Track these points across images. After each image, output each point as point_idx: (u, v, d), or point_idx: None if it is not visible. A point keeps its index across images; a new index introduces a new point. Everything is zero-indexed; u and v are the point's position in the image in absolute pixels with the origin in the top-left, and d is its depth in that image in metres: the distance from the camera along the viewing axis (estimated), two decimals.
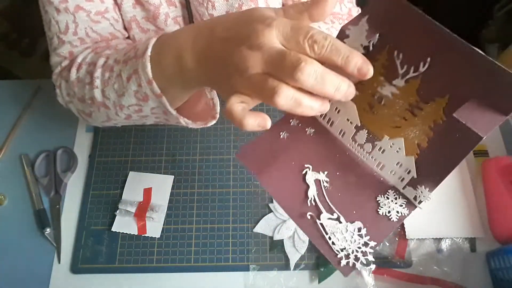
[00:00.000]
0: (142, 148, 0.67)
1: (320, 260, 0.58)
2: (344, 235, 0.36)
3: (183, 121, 0.48)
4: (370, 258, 0.35)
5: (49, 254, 0.61)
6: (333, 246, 0.36)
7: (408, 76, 0.34)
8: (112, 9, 0.57)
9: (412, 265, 0.58)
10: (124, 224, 0.61)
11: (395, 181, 0.37)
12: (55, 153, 0.67)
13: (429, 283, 0.57)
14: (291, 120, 0.41)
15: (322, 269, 0.58)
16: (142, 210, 0.62)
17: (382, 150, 0.37)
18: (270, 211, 0.62)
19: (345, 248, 0.36)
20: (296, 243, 0.59)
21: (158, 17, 0.60)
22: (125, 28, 0.62)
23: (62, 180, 0.65)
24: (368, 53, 0.35)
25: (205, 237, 0.61)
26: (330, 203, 0.37)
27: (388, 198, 0.37)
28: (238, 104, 0.36)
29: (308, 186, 0.38)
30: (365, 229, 0.36)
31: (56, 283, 0.59)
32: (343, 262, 0.35)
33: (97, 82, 0.48)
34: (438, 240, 0.59)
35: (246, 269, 0.59)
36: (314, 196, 0.38)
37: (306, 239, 0.59)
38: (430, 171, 0.35)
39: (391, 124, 0.36)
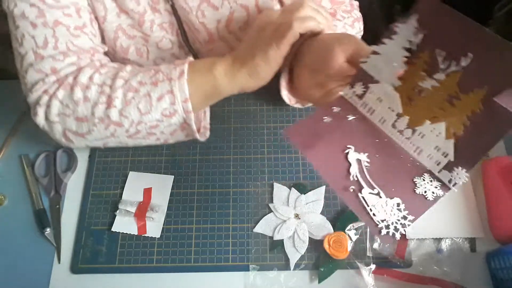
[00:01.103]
0: (142, 148, 0.67)
1: (320, 260, 0.58)
2: (384, 208, 0.39)
3: (197, 135, 0.56)
4: (408, 230, 0.39)
5: (49, 254, 0.61)
6: (373, 217, 0.39)
7: (449, 70, 0.38)
8: (90, 24, 0.57)
9: (412, 265, 0.58)
10: (124, 224, 0.61)
11: (431, 165, 0.41)
12: (55, 153, 0.67)
13: (429, 283, 0.57)
14: (333, 108, 0.46)
15: (322, 269, 0.58)
16: (142, 210, 0.62)
17: (422, 135, 0.41)
18: (270, 211, 0.62)
19: (385, 220, 0.39)
20: (296, 243, 0.59)
21: (143, 24, 0.60)
22: (103, 41, 0.62)
23: (62, 180, 0.65)
24: (411, 52, 0.40)
25: (205, 237, 0.61)
26: (370, 180, 0.41)
27: (424, 180, 0.41)
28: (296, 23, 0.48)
29: (350, 164, 0.42)
30: (403, 204, 0.40)
31: (56, 283, 0.59)
32: (383, 231, 0.39)
33: (117, 102, 0.51)
34: (438, 240, 0.59)
35: (246, 269, 0.59)
36: (356, 173, 0.42)
37: (306, 239, 0.59)
38: (466, 154, 0.39)
39: (430, 115, 0.40)
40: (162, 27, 0.62)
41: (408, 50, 0.40)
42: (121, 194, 0.64)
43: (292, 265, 0.58)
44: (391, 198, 0.40)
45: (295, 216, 0.61)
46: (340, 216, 0.61)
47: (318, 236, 0.60)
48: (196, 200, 0.63)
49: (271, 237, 0.60)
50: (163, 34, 0.63)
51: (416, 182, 0.41)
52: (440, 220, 0.60)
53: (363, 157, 0.43)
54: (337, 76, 0.48)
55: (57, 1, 0.53)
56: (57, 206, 0.63)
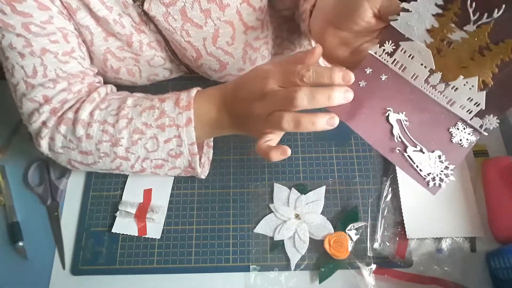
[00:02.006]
0: None
1: (321, 260, 0.58)
2: (428, 162, 0.43)
3: (202, 174, 0.60)
4: (452, 178, 0.42)
5: (50, 255, 0.60)
6: (420, 172, 0.43)
7: (480, 22, 0.39)
8: (78, 48, 0.56)
9: (412, 264, 0.58)
10: (124, 225, 0.61)
11: (463, 114, 0.43)
12: (47, 161, 0.66)
13: (430, 282, 0.57)
14: (366, 69, 0.46)
15: (322, 269, 0.58)
16: (142, 211, 0.62)
17: (455, 88, 0.43)
18: (271, 211, 0.62)
19: (430, 173, 0.43)
20: (297, 243, 0.59)
21: (132, 44, 0.59)
22: (93, 62, 0.62)
23: (57, 187, 0.64)
24: (441, 5, 0.41)
25: (205, 237, 0.61)
26: (412, 138, 0.44)
27: (458, 129, 0.43)
28: (264, 143, 0.47)
29: (392, 126, 0.44)
30: (444, 156, 0.43)
31: (56, 285, 0.59)
32: (431, 183, 0.43)
33: (123, 142, 0.53)
34: (439, 239, 0.59)
35: (247, 269, 0.59)
36: (398, 133, 0.44)
37: (306, 239, 0.59)
38: (496, 102, 0.41)
39: (459, 65, 0.42)
40: (151, 46, 0.61)
41: (439, 6, 0.41)
42: (121, 195, 0.63)
43: (292, 266, 0.58)
44: (432, 151, 0.43)
45: (295, 217, 0.61)
46: (340, 216, 0.61)
47: (319, 236, 0.60)
48: (196, 201, 0.63)
49: (272, 238, 0.60)
50: (154, 52, 0.63)
51: (451, 132, 0.44)
52: (440, 220, 0.60)
53: (402, 116, 0.45)
54: (364, 32, 0.47)
55: (42, 28, 0.51)
56: (56, 213, 0.63)
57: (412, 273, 0.58)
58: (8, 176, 0.67)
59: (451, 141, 0.43)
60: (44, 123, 0.54)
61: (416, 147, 0.44)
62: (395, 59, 0.45)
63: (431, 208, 0.61)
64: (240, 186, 0.64)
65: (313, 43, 0.57)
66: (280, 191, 0.63)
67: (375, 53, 0.46)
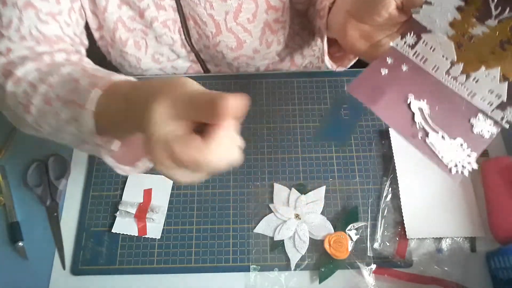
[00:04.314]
0: None
1: (321, 260, 0.58)
2: (450, 149, 0.43)
3: (118, 170, 0.48)
4: (474, 166, 0.42)
5: (49, 255, 0.60)
6: (443, 159, 0.42)
7: (502, 17, 0.39)
8: (67, 13, 0.56)
9: (412, 264, 0.58)
10: (124, 225, 0.61)
11: (484, 106, 0.43)
12: (46, 161, 0.66)
13: (430, 282, 0.57)
14: (387, 59, 0.47)
15: (322, 269, 0.58)
16: (142, 211, 0.62)
17: (476, 80, 0.43)
18: (271, 211, 0.62)
19: (452, 160, 0.42)
20: (297, 243, 0.59)
21: (144, 16, 0.60)
22: (102, 31, 0.62)
23: (57, 188, 0.64)
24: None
25: (205, 238, 0.61)
26: (434, 125, 0.44)
27: (479, 120, 0.44)
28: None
29: (413, 113, 0.45)
30: (465, 143, 0.43)
31: (56, 285, 0.59)
32: (453, 170, 0.42)
33: (33, 110, 0.47)
34: (439, 239, 0.59)
35: (247, 269, 0.59)
36: (420, 120, 0.44)
37: (306, 239, 0.59)
38: None
39: (479, 59, 0.42)
40: (166, 24, 0.62)
41: None
42: (121, 195, 0.63)
43: (292, 266, 0.58)
44: (454, 138, 0.43)
45: (295, 217, 0.61)
46: (340, 216, 0.61)
47: (319, 236, 0.60)
48: (196, 201, 0.63)
49: (272, 238, 0.60)
50: (165, 31, 0.63)
51: (472, 123, 0.44)
52: (440, 220, 0.60)
53: (423, 104, 0.45)
54: (385, 26, 0.47)
55: None
56: (55, 214, 0.63)
57: (412, 273, 0.58)
58: (8, 176, 0.67)
59: (472, 131, 0.43)
60: None
61: (438, 133, 0.44)
62: (416, 51, 0.46)
63: (431, 208, 0.61)
64: (240, 186, 0.64)
65: (325, 44, 0.57)
66: (280, 191, 0.63)
67: (397, 45, 0.47)
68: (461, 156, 0.42)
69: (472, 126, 0.44)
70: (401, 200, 0.61)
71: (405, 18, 0.46)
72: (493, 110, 0.43)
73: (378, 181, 0.64)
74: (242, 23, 0.62)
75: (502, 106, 0.42)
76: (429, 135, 0.43)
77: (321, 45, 0.59)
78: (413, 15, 0.45)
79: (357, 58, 0.62)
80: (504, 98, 0.42)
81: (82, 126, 0.43)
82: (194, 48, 0.69)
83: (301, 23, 0.73)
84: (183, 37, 0.66)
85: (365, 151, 0.66)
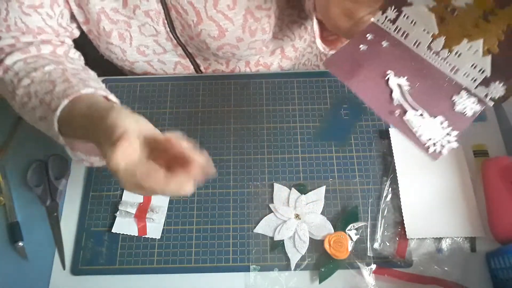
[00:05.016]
0: None
1: (321, 260, 0.58)
2: (429, 127, 0.41)
3: (85, 163, 0.53)
4: (454, 145, 0.40)
5: (50, 255, 0.60)
6: (420, 138, 0.41)
7: None
8: (49, 5, 0.58)
9: (412, 264, 0.58)
10: (124, 225, 0.61)
11: (467, 82, 0.42)
12: (46, 161, 0.66)
13: (430, 282, 0.57)
14: (367, 35, 0.46)
15: (322, 269, 0.58)
16: (142, 211, 0.62)
17: (458, 54, 0.41)
18: (271, 211, 0.62)
19: (431, 138, 0.40)
20: (297, 243, 0.59)
21: (127, 6, 0.61)
22: (88, 23, 0.64)
23: (57, 188, 0.64)
24: None
25: (205, 238, 0.61)
26: (413, 103, 0.42)
27: (462, 97, 0.42)
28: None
29: (391, 89, 0.43)
30: (446, 122, 0.41)
31: (56, 285, 0.59)
32: (431, 149, 0.40)
33: (17, 98, 0.54)
34: (439, 239, 0.59)
35: (247, 269, 0.59)
36: (398, 97, 0.43)
37: (306, 239, 0.59)
38: (503, 68, 0.39)
39: (463, 33, 0.40)
40: (148, 14, 0.62)
41: None
42: (121, 195, 0.63)
43: (292, 266, 0.58)
44: (434, 117, 0.41)
45: (295, 217, 0.61)
46: (340, 216, 0.61)
47: (319, 236, 0.60)
48: (196, 201, 0.63)
49: (272, 238, 0.60)
50: (148, 20, 0.64)
51: (454, 101, 0.42)
52: (440, 220, 0.60)
53: (403, 81, 0.43)
54: (366, 1, 0.46)
55: None
56: (55, 214, 0.63)
57: (412, 273, 0.58)
58: (8, 176, 0.67)
59: (454, 109, 0.42)
60: None
61: (416, 111, 0.42)
62: (397, 26, 0.45)
63: (431, 208, 0.61)
64: (240, 186, 0.64)
65: (315, 25, 0.56)
66: (280, 191, 0.63)
67: (378, 20, 0.46)
68: (440, 134, 0.41)
69: (454, 103, 0.42)
70: (401, 200, 0.61)
71: None
72: (476, 86, 0.41)
73: (378, 181, 0.64)
74: (222, 10, 0.62)
75: (486, 82, 0.41)
76: (407, 113, 0.42)
77: (313, 35, 0.58)
78: None
79: None
80: (488, 72, 0.40)
81: (49, 126, 0.49)
82: (180, 40, 0.69)
83: (291, 15, 0.72)
84: (168, 29, 0.66)
85: (365, 151, 0.66)
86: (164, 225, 0.61)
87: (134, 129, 0.40)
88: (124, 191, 0.63)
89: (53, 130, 0.49)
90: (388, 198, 0.62)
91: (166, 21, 0.64)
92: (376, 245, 0.59)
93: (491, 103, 0.41)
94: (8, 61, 0.56)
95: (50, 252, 0.61)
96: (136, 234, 0.61)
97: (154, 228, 0.61)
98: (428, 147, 0.40)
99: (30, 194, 0.64)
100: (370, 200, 0.62)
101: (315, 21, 0.56)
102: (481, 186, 0.62)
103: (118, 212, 0.62)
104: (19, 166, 0.67)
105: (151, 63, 0.74)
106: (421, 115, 0.42)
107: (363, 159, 0.65)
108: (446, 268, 0.58)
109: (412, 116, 0.41)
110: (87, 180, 0.65)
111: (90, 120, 0.44)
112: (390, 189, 0.63)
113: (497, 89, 0.40)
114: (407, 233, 0.59)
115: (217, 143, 0.67)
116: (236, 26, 0.65)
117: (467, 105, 0.42)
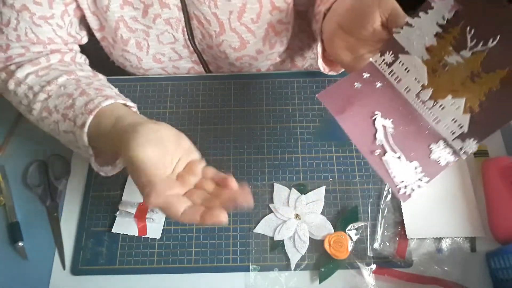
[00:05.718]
0: None
1: (321, 260, 0.58)
2: (404, 170, 0.44)
3: (101, 172, 0.54)
4: (424, 189, 0.43)
5: (49, 255, 0.60)
6: (394, 179, 0.43)
7: (475, 49, 0.41)
8: (59, 16, 0.58)
9: (412, 264, 0.58)
10: (124, 225, 0.61)
11: (446, 134, 0.45)
12: (47, 161, 0.66)
13: (430, 282, 0.57)
14: (363, 74, 0.48)
15: (322, 269, 0.58)
16: (142, 211, 0.62)
17: (442, 107, 0.45)
18: (271, 211, 0.62)
19: (403, 181, 0.43)
20: (297, 243, 0.59)
21: (147, 15, 0.60)
22: (104, 30, 0.64)
23: (57, 188, 0.64)
24: (442, 26, 0.43)
25: (205, 238, 0.61)
26: (393, 145, 0.45)
27: (439, 147, 0.45)
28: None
29: (376, 130, 0.46)
30: (420, 167, 0.44)
31: (56, 285, 0.59)
32: (402, 191, 0.43)
33: (34, 112, 0.55)
34: (439, 239, 0.59)
35: (247, 269, 0.59)
36: (381, 138, 0.45)
37: (306, 239, 0.59)
38: (479, 127, 0.42)
39: (450, 88, 0.44)
40: (168, 22, 0.62)
41: (441, 26, 0.43)
42: (121, 195, 0.63)
43: (292, 266, 0.58)
44: (410, 161, 0.44)
45: (295, 217, 0.61)
46: (340, 216, 0.61)
47: (319, 236, 0.60)
48: None
49: (272, 238, 0.60)
50: (167, 28, 0.63)
51: (431, 149, 0.45)
52: (440, 220, 0.60)
53: (388, 123, 0.46)
54: (369, 40, 0.49)
55: None
56: (55, 214, 0.63)
57: (412, 273, 0.58)
58: (8, 176, 0.67)
59: (429, 157, 0.44)
60: None
61: (395, 153, 0.45)
62: (392, 70, 0.47)
63: (431, 208, 0.61)
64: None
65: (319, 47, 0.58)
66: (280, 191, 0.63)
67: (375, 61, 0.48)
68: (413, 178, 0.43)
69: (431, 151, 0.45)
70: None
71: (388, 36, 0.47)
72: (454, 139, 0.44)
73: (378, 181, 0.64)
74: (246, 23, 0.62)
75: (462, 137, 0.43)
76: (386, 154, 0.44)
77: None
78: (394, 35, 0.46)
79: None
80: (466, 129, 0.43)
81: (78, 141, 0.51)
82: (197, 48, 0.69)
83: (300, 25, 0.73)
84: (187, 36, 0.66)
85: None
86: (164, 225, 0.61)
87: (161, 180, 0.41)
88: (124, 191, 0.63)
89: (83, 145, 0.50)
90: (388, 198, 0.62)
91: (185, 29, 0.64)
92: (376, 245, 0.59)
93: (464, 156, 0.44)
94: (20, 74, 0.56)
95: (50, 252, 0.61)
96: (136, 234, 0.61)
97: (154, 228, 0.61)
98: (400, 189, 0.43)
99: (30, 194, 0.65)
100: (370, 200, 0.62)
101: (319, 43, 0.58)
102: (481, 186, 0.62)
103: (118, 212, 0.62)
104: (19, 166, 0.67)
105: (165, 69, 0.74)
106: (399, 157, 0.44)
107: (363, 159, 0.65)
108: (446, 268, 0.58)
109: (390, 158, 0.44)
110: (87, 180, 0.65)
111: (118, 141, 0.45)
112: (390, 189, 0.63)
113: (471, 146, 0.43)
114: (407, 233, 0.59)
115: (217, 143, 0.67)
116: (258, 39, 0.66)
117: (442, 154, 0.44)
